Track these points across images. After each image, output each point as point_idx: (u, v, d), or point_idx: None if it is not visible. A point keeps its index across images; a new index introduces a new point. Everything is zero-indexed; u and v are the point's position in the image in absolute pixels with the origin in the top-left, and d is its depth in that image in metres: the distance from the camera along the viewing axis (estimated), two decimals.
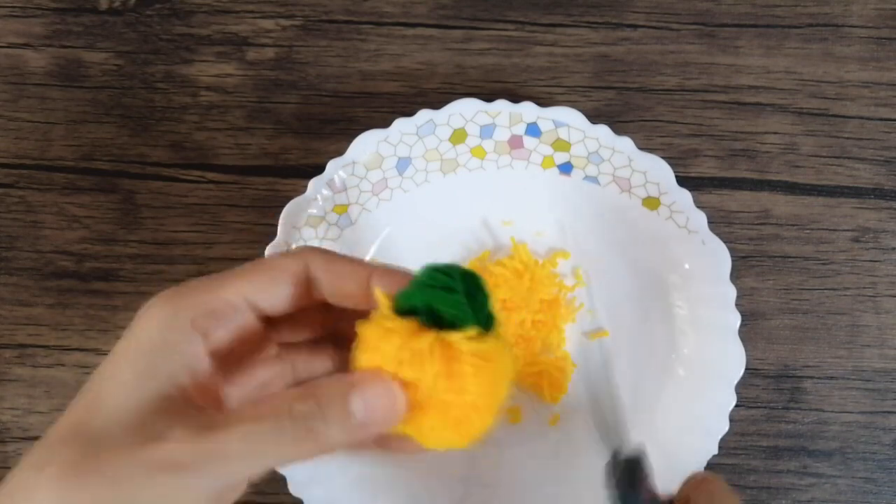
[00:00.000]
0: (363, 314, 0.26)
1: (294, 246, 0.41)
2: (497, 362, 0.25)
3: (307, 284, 0.27)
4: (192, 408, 0.24)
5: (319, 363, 0.30)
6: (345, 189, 0.41)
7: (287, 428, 0.23)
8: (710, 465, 0.40)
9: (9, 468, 0.42)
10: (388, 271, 0.27)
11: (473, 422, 0.25)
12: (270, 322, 0.28)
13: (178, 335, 0.25)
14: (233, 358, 0.27)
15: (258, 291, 0.26)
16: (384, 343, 0.25)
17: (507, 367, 0.26)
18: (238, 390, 0.28)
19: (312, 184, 0.41)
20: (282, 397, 0.24)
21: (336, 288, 0.27)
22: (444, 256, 0.43)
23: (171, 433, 0.23)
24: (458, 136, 0.42)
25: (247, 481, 0.27)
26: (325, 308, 0.29)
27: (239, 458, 0.23)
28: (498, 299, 0.42)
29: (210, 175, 0.44)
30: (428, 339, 0.24)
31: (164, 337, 0.25)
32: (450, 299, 0.25)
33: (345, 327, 0.28)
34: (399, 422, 0.25)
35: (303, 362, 0.30)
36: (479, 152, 0.42)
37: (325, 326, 0.30)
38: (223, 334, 0.26)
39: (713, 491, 0.27)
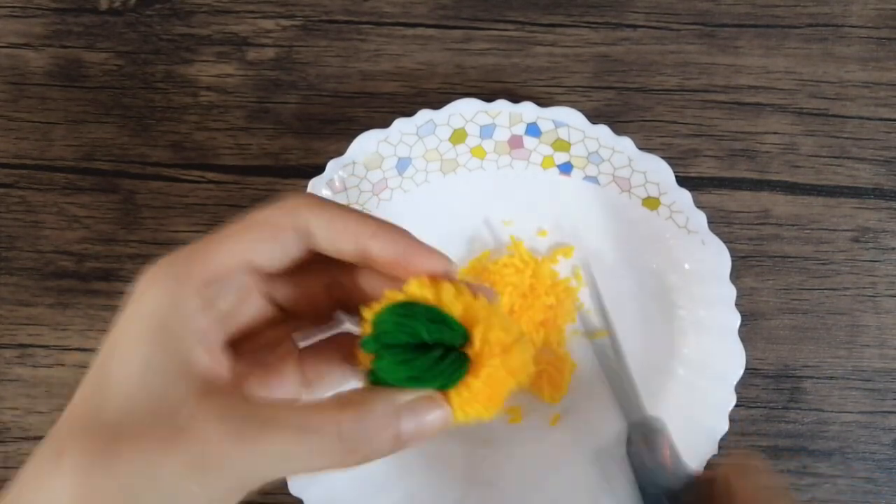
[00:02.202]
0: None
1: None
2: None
3: (306, 239, 0.26)
4: (215, 390, 0.23)
5: (324, 325, 0.29)
6: (345, 189, 0.41)
7: (334, 446, 0.23)
8: (710, 466, 0.40)
9: (9, 468, 0.42)
10: (386, 234, 0.26)
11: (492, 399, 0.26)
12: (271, 279, 0.27)
13: (186, 308, 0.24)
14: (237, 321, 0.27)
15: (256, 252, 0.25)
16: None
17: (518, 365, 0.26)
18: (245, 357, 0.27)
19: (312, 184, 0.41)
20: (328, 413, 0.24)
21: (333, 245, 0.26)
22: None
23: (206, 427, 0.22)
24: (458, 136, 0.42)
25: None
26: (326, 263, 0.28)
27: (276, 465, 0.23)
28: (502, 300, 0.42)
29: (210, 175, 0.44)
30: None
31: (172, 311, 0.24)
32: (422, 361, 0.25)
33: (347, 285, 0.28)
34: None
35: (306, 324, 0.29)
36: (479, 152, 0.42)
37: (327, 285, 0.29)
38: (228, 300, 0.25)
39: (749, 468, 0.27)
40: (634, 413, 0.26)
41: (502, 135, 0.42)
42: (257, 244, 0.25)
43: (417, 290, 0.25)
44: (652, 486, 0.26)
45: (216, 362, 0.24)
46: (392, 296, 0.25)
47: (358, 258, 0.26)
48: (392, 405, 0.24)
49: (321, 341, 0.27)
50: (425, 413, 0.24)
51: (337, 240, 0.26)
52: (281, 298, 0.28)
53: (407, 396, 0.24)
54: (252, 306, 0.27)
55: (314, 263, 0.27)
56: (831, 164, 0.45)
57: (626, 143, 0.41)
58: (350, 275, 0.28)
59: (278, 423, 0.23)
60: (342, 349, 0.28)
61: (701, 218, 0.41)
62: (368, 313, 0.25)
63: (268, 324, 0.28)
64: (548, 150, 0.42)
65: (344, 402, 0.24)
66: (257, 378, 0.27)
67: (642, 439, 0.26)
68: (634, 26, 0.45)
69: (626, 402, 0.26)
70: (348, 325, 0.26)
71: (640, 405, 0.27)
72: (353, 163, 0.41)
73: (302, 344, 0.27)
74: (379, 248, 0.25)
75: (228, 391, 0.24)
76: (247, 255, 0.25)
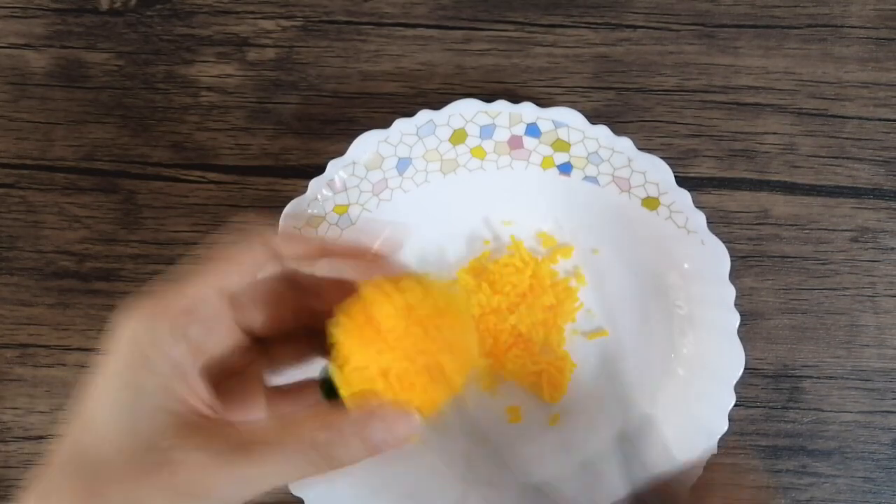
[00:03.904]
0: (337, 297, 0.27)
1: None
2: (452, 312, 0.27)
3: (273, 260, 0.27)
4: (195, 420, 0.24)
5: (293, 350, 0.30)
6: (345, 189, 0.41)
7: (309, 456, 0.24)
8: (710, 465, 0.40)
9: (10, 468, 0.43)
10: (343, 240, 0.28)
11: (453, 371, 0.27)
12: (243, 308, 0.28)
13: (162, 343, 0.24)
14: (211, 349, 0.27)
15: (228, 278, 0.26)
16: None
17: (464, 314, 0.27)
18: (220, 385, 0.28)
19: (313, 184, 0.41)
20: (303, 427, 0.25)
21: (297, 254, 0.27)
22: (445, 256, 0.43)
23: (188, 457, 0.23)
24: (458, 137, 0.42)
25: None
26: (294, 297, 0.29)
27: (260, 482, 0.24)
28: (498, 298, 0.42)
29: (211, 175, 0.44)
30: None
31: (148, 348, 0.24)
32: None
33: (315, 319, 0.29)
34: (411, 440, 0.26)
35: (278, 351, 0.30)
36: (479, 152, 0.42)
37: (297, 317, 0.30)
38: (199, 328, 0.26)
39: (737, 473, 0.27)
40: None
41: (502, 135, 0.42)
42: (229, 271, 0.26)
43: (372, 295, 0.27)
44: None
45: (192, 391, 0.25)
46: (347, 308, 0.27)
47: (321, 257, 0.27)
48: (361, 415, 0.25)
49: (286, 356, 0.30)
50: (392, 418, 0.26)
51: (298, 245, 0.27)
52: (253, 325, 0.29)
53: (377, 407, 0.26)
54: (224, 334, 0.27)
55: (282, 293, 0.29)
56: (830, 165, 0.45)
57: (626, 144, 0.41)
58: (316, 298, 0.29)
59: (257, 443, 0.24)
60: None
61: (700, 218, 0.41)
62: (333, 329, 0.27)
63: (240, 352, 0.29)
64: (548, 151, 0.42)
65: (317, 414, 0.25)
66: (231, 404, 0.28)
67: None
68: (634, 27, 0.45)
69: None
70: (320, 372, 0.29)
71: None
72: (354, 163, 0.41)
73: (274, 382, 0.30)
74: (338, 247, 0.27)
75: (207, 419, 0.25)
76: (219, 281, 0.26)
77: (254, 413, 0.29)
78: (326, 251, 0.28)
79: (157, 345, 0.24)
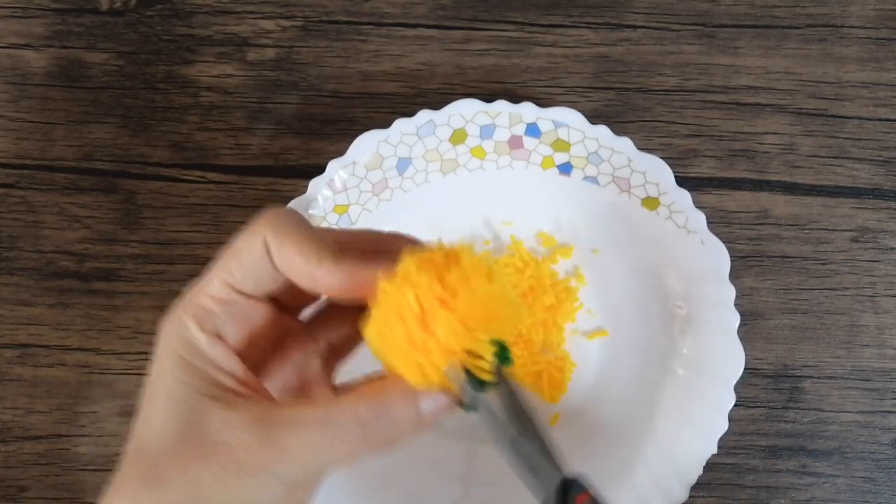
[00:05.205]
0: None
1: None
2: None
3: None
4: (241, 404, 0.25)
5: (345, 329, 0.29)
6: (345, 189, 0.41)
7: (355, 432, 0.24)
8: (710, 465, 0.40)
9: (10, 468, 0.43)
10: (332, 263, 0.25)
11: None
12: (281, 301, 0.28)
13: (197, 343, 0.26)
14: (259, 346, 0.28)
15: (235, 279, 0.26)
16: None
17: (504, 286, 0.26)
18: (275, 381, 0.28)
19: (313, 184, 0.41)
20: (345, 402, 0.25)
21: (284, 270, 0.26)
22: None
23: (234, 438, 0.24)
24: (458, 137, 0.42)
25: (320, 479, 0.28)
26: None
27: (307, 460, 0.24)
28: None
29: (211, 175, 0.44)
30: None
31: (186, 348, 0.26)
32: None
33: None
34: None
35: (332, 331, 0.29)
36: (479, 152, 0.42)
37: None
38: (233, 329, 0.26)
39: None
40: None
41: (502, 135, 0.42)
42: (234, 271, 0.26)
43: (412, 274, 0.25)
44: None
45: (236, 381, 0.26)
46: (385, 287, 0.25)
47: (309, 286, 0.26)
48: (409, 387, 0.25)
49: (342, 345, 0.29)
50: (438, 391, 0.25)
51: (287, 266, 0.26)
52: (298, 314, 0.29)
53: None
54: (268, 328, 0.28)
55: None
56: (830, 165, 0.45)
57: (626, 144, 0.41)
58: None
59: (301, 419, 0.24)
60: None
61: (700, 218, 0.41)
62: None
63: (293, 343, 0.29)
64: (547, 151, 0.42)
65: (361, 389, 0.25)
66: (292, 392, 0.29)
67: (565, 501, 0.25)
68: (634, 27, 0.45)
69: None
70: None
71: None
72: (354, 163, 0.41)
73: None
74: (323, 277, 0.25)
75: (255, 402, 0.25)
76: (230, 282, 0.26)
77: (320, 395, 0.29)
78: (311, 274, 0.25)
79: (195, 349, 0.26)
